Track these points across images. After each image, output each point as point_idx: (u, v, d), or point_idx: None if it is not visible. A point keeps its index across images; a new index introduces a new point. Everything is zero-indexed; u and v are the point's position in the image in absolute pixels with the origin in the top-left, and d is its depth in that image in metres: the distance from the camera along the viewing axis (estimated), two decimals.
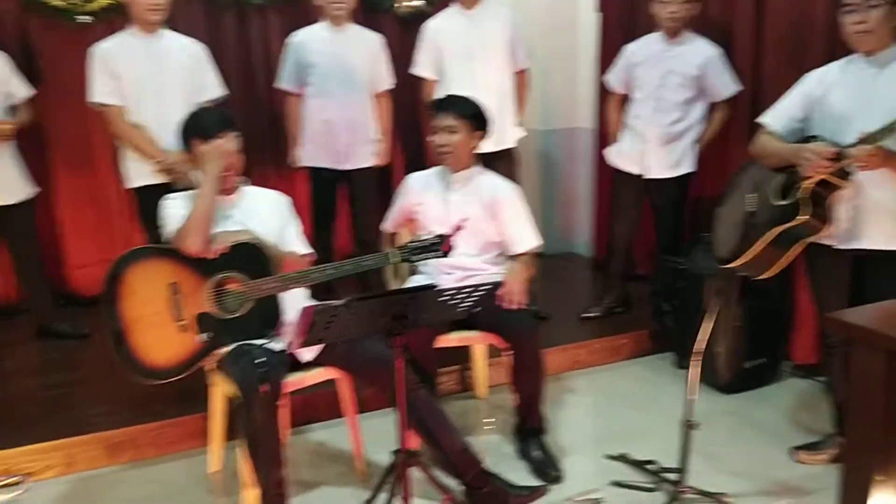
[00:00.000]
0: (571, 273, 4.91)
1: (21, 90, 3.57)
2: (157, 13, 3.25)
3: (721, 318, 3.26)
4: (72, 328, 3.80)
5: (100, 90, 3.29)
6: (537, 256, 3.10)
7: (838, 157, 2.40)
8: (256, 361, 2.26)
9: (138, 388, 2.61)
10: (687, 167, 3.71)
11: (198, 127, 2.58)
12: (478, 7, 3.80)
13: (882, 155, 2.33)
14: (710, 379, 3.38)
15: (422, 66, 3.89)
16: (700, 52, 3.58)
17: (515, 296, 2.83)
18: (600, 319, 3.98)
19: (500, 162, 3.87)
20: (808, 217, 2.49)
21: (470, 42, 3.78)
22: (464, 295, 2.22)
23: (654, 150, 3.69)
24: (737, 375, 3.41)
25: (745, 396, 3.41)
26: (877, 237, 2.52)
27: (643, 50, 3.72)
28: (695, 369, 2.57)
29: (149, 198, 3.28)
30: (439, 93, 3.85)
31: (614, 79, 3.87)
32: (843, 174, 2.45)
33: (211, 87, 3.50)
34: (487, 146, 3.71)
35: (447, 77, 3.84)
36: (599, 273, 4.70)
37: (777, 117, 2.73)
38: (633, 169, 3.78)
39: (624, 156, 3.83)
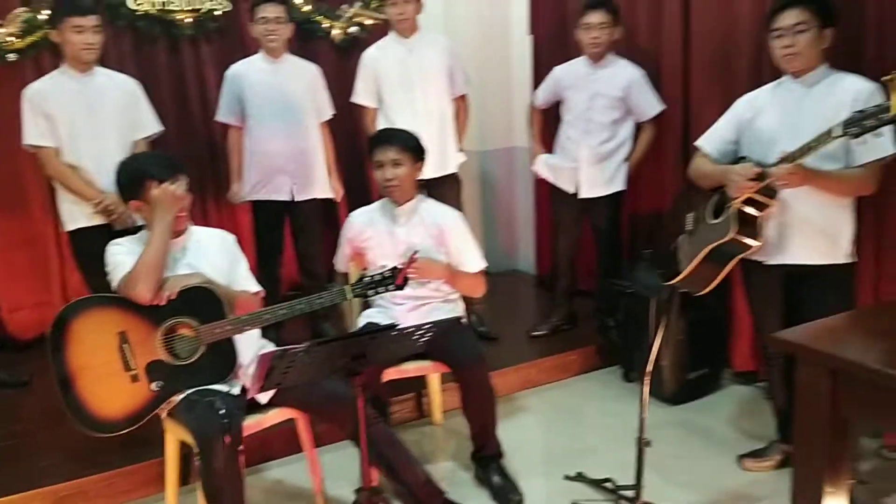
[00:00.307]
0: (517, 291, 4.98)
1: None
2: (91, 52, 3.18)
3: (665, 332, 3.36)
4: (9, 376, 3.65)
5: (33, 132, 3.19)
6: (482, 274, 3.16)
7: (761, 176, 2.50)
8: (219, 412, 2.22)
9: (85, 437, 2.52)
10: (618, 185, 3.82)
11: (149, 170, 2.51)
12: (415, 36, 3.84)
13: (801, 174, 2.42)
14: (657, 391, 3.47)
15: (361, 95, 3.91)
16: (623, 74, 3.71)
17: (423, 271, 2.81)
18: (548, 337, 4.05)
19: (444, 187, 3.92)
20: (734, 235, 2.59)
21: (409, 70, 3.82)
22: (423, 332, 2.24)
23: (586, 169, 3.79)
24: (682, 386, 3.52)
25: (691, 406, 3.52)
26: (803, 252, 2.64)
27: (570, 73, 3.84)
28: (645, 388, 2.64)
29: (86, 240, 3.22)
30: (380, 120, 3.88)
31: (540, 96, 4.00)
32: (769, 193, 2.55)
33: (147, 124, 3.43)
34: (430, 172, 3.76)
35: (387, 105, 3.87)
36: (544, 290, 4.80)
37: (710, 140, 2.85)
38: (569, 188, 3.87)
39: (559, 175, 3.92)
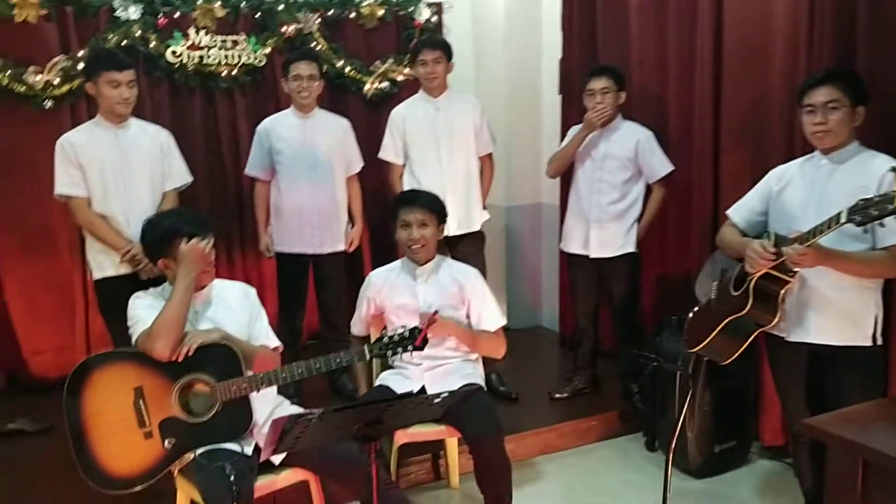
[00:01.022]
0: (539, 348, 4.91)
1: None
2: (126, 106, 3.23)
3: (691, 402, 3.28)
4: (31, 423, 3.62)
5: (65, 182, 3.22)
6: (504, 330, 3.11)
7: (778, 253, 2.45)
8: (229, 475, 2.18)
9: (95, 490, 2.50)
10: (629, 247, 3.76)
11: (181, 228, 2.52)
12: (444, 95, 3.88)
13: (813, 255, 2.35)
14: (681, 463, 3.38)
15: (388, 151, 3.94)
16: (632, 135, 3.69)
17: (441, 329, 2.79)
18: (569, 400, 3.97)
19: (467, 244, 3.92)
20: (749, 309, 2.54)
21: (436, 128, 3.85)
22: (440, 401, 2.20)
23: (596, 229, 3.76)
24: (707, 459, 3.41)
25: (716, 481, 3.40)
26: (823, 332, 2.56)
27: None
28: (669, 459, 2.56)
29: (112, 289, 3.23)
30: (406, 177, 3.90)
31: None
32: (788, 270, 2.49)
33: (178, 174, 3.46)
34: (454, 229, 3.77)
35: (413, 162, 3.89)
36: (566, 349, 4.73)
37: (739, 210, 2.82)
38: (578, 249, 3.84)
39: (569, 237, 3.89)
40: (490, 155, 4.04)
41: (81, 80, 3.77)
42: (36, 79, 3.86)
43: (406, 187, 3.85)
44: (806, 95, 2.55)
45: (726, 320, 2.63)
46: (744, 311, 2.56)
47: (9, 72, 3.81)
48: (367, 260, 4.75)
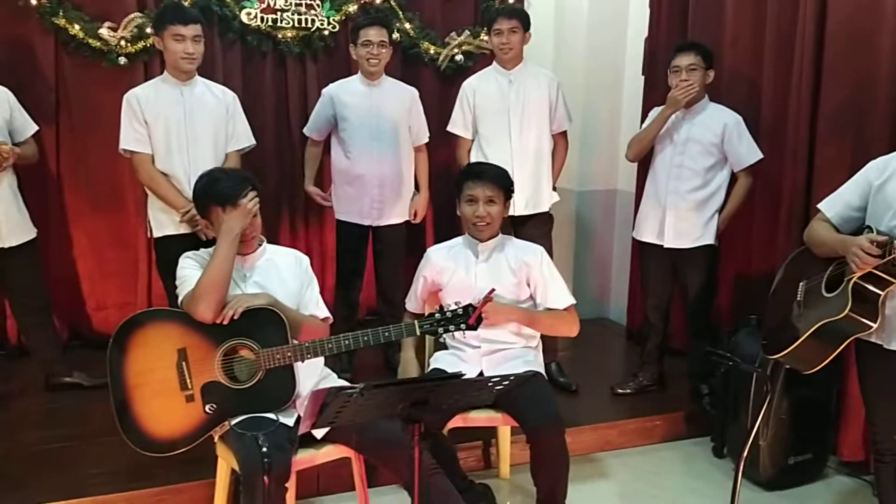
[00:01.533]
0: (604, 341, 4.71)
1: (25, 127, 3.41)
2: (190, 62, 3.17)
3: (767, 409, 3.04)
4: (86, 378, 3.63)
5: (130, 137, 3.20)
6: None
7: (886, 250, 2.23)
8: (261, 446, 2.08)
9: None
10: (708, 238, 3.50)
11: (218, 194, 2.41)
12: (518, 67, 3.69)
13: None
14: (752, 474, 3.15)
15: (457, 125, 3.79)
16: (719, 119, 3.43)
17: (493, 315, 2.66)
18: (633, 397, 3.76)
19: (535, 225, 3.75)
20: (848, 312, 2.31)
21: (507, 102, 3.67)
22: (492, 384, 2.05)
23: (672, 218, 3.51)
24: (780, 471, 3.17)
25: (789, 494, 3.16)
26: None
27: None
28: (740, 468, 2.36)
29: (171, 248, 3.17)
30: (474, 151, 3.74)
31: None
32: (892, 270, 2.26)
33: (242, 136, 3.39)
34: (521, 209, 3.60)
35: (483, 136, 3.73)
36: (633, 343, 4.52)
37: (833, 204, 2.56)
38: (655, 239, 3.60)
39: (643, 225, 3.66)
40: (564, 133, 3.84)
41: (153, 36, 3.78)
42: (111, 34, 3.85)
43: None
44: None
45: (818, 324, 2.40)
46: (841, 315, 2.32)
47: (83, 25, 3.81)
48: (429, 235, 4.62)
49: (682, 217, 3.49)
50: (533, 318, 2.83)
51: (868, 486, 3.16)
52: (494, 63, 3.77)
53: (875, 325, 2.33)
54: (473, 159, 3.69)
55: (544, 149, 3.75)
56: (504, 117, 3.67)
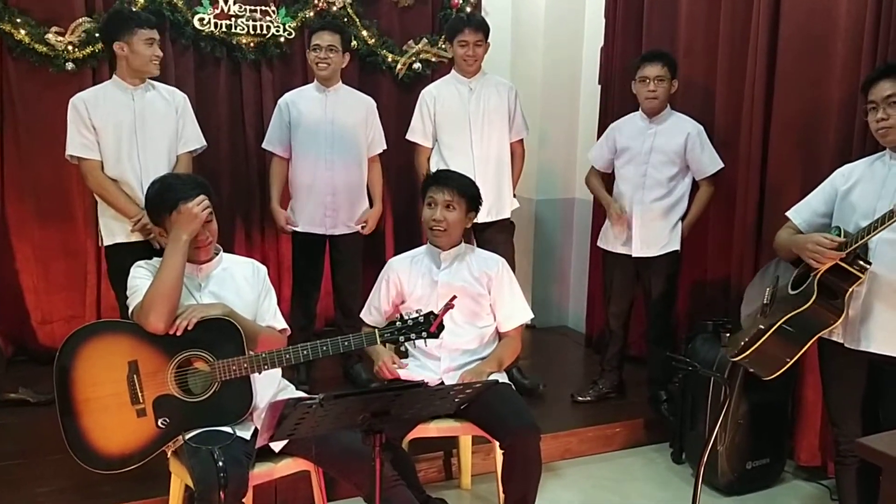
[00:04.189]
0: (564, 349, 4.71)
1: None
2: (157, 66, 3.15)
3: (724, 414, 3.06)
4: (32, 394, 3.50)
5: (77, 143, 3.10)
6: (529, 328, 2.93)
7: (845, 246, 2.30)
8: (217, 460, 2.01)
9: None
10: (674, 245, 3.53)
11: (170, 200, 2.33)
12: (478, 77, 3.70)
13: None
14: (711, 479, 3.17)
15: (417, 133, 3.76)
16: (682, 129, 3.48)
17: (470, 376, 2.72)
18: (593, 404, 3.76)
19: (496, 232, 3.75)
20: (814, 302, 2.35)
21: (467, 110, 3.67)
22: (454, 393, 2.01)
23: (639, 227, 3.53)
24: (739, 476, 3.19)
25: (747, 499, 3.19)
26: (888, 341, 2.35)
27: (626, 128, 3.62)
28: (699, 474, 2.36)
29: (122, 257, 3.08)
30: (435, 160, 3.72)
31: (598, 155, 3.74)
32: (859, 266, 2.32)
33: (192, 138, 3.31)
34: (483, 216, 3.59)
35: (443, 144, 3.71)
36: (592, 350, 4.53)
37: (799, 210, 2.62)
38: (620, 248, 3.62)
39: (609, 234, 3.67)
40: (521, 141, 3.85)
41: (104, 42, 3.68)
42: (58, 39, 3.74)
43: (433, 171, 3.67)
44: (868, 92, 2.40)
45: (784, 318, 2.42)
46: (807, 305, 2.36)
47: (30, 30, 3.69)
48: (388, 245, 4.58)
49: (649, 226, 3.52)
50: (501, 361, 2.85)
51: (825, 491, 3.20)
52: (454, 71, 3.76)
53: (839, 321, 2.37)
54: (434, 167, 3.67)
55: (504, 156, 3.75)
56: (465, 125, 3.67)
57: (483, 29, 3.65)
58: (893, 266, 2.32)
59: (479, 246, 3.71)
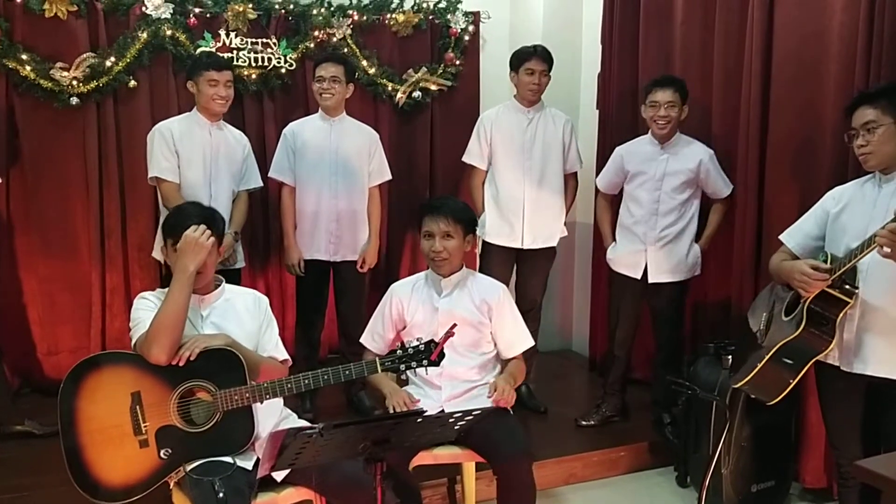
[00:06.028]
0: (568, 373, 4.72)
1: None
2: (222, 104, 3.46)
3: (728, 437, 3.06)
4: (38, 426, 3.50)
5: (162, 166, 3.37)
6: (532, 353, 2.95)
7: (832, 272, 2.32)
8: (218, 491, 2.02)
9: None
10: (694, 270, 3.57)
11: (176, 225, 2.39)
12: (536, 107, 3.83)
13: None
14: (715, 502, 3.14)
15: (473, 155, 3.89)
16: (695, 154, 3.51)
17: (506, 396, 2.69)
18: (597, 428, 3.75)
19: (541, 259, 3.92)
20: (801, 331, 2.38)
21: (523, 140, 3.81)
22: (454, 420, 2.03)
23: (654, 253, 3.55)
24: (744, 499, 3.16)
25: None
26: (887, 363, 2.36)
27: (636, 153, 3.63)
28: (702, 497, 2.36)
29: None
30: (488, 184, 3.88)
31: (605, 180, 3.78)
32: (846, 290, 2.34)
33: (253, 177, 3.66)
34: (531, 242, 3.81)
35: (498, 171, 3.85)
36: (596, 374, 4.53)
37: (792, 234, 2.65)
38: (633, 273, 3.63)
39: (621, 260, 3.68)
40: (575, 174, 3.97)
41: (109, 77, 3.83)
42: (63, 75, 3.80)
43: (486, 194, 3.85)
44: (851, 119, 2.45)
45: (777, 346, 2.44)
46: (796, 334, 2.38)
47: (35, 66, 3.76)
48: (392, 273, 4.60)
49: (663, 252, 3.54)
50: (515, 379, 2.85)
51: None
52: (513, 99, 3.87)
53: (832, 345, 2.38)
54: (487, 190, 3.83)
55: (557, 187, 3.85)
56: (519, 153, 3.79)
57: (549, 61, 3.77)
58: (885, 289, 2.33)
59: (519, 271, 3.87)
